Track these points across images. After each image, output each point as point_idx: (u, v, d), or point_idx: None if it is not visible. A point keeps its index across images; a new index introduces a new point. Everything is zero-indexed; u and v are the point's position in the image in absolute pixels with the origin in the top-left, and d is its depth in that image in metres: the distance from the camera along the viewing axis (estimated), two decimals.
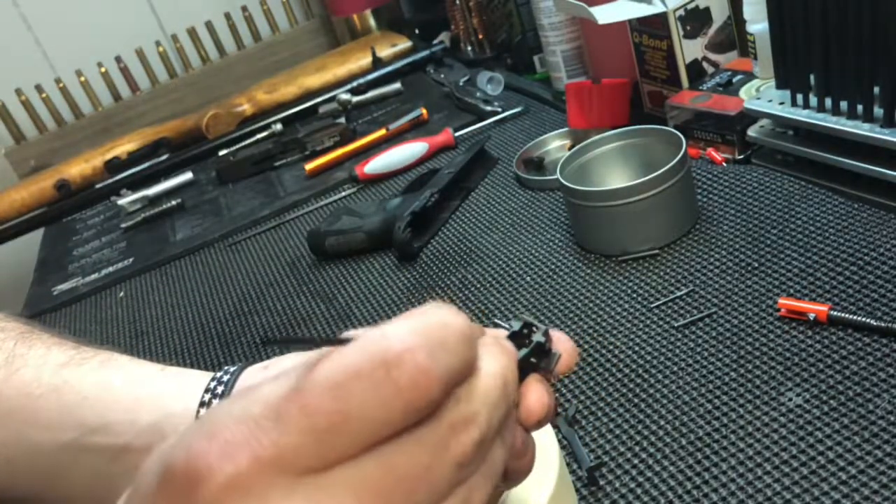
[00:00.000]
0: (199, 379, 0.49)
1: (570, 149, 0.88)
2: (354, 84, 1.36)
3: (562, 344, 0.35)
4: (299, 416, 0.24)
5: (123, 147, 1.39)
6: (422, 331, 0.26)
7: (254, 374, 0.47)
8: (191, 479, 0.24)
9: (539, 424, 0.33)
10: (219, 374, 0.48)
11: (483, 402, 0.28)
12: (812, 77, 0.70)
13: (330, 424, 0.24)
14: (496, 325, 0.35)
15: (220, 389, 0.47)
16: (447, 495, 0.26)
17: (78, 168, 1.38)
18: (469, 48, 1.35)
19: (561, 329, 0.67)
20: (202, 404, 0.46)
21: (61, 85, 1.58)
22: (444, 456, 0.26)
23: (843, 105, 0.68)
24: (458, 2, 1.32)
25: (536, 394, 0.32)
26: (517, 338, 0.33)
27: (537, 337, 0.33)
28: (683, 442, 0.53)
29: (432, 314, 0.27)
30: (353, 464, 0.25)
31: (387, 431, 0.25)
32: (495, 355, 0.30)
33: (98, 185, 1.36)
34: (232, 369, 0.48)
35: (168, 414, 0.47)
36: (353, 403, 0.25)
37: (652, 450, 0.54)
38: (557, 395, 0.61)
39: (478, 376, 0.28)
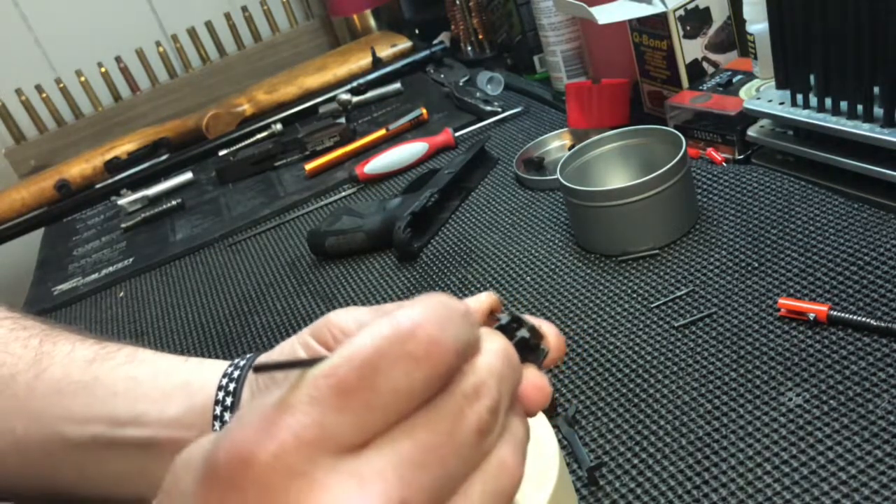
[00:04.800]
0: (219, 367, 0.50)
1: (570, 149, 0.88)
2: (354, 84, 1.36)
3: (550, 339, 0.36)
4: (333, 395, 0.26)
5: (123, 147, 1.39)
6: (427, 309, 0.27)
7: (264, 358, 0.48)
8: (236, 465, 0.25)
9: (536, 408, 0.33)
10: (236, 361, 0.49)
11: (489, 373, 0.29)
12: (812, 77, 0.70)
13: (361, 401, 0.26)
14: (490, 319, 0.36)
15: (236, 374, 0.48)
16: (478, 462, 0.28)
17: (78, 168, 1.38)
18: (469, 48, 1.35)
19: (561, 329, 0.68)
20: (220, 388, 0.47)
21: (61, 85, 1.58)
22: (463, 423, 0.27)
23: (843, 105, 0.68)
24: (458, 2, 1.32)
25: (532, 378, 0.33)
26: (504, 331, 0.34)
27: (521, 332, 0.34)
28: (683, 442, 0.53)
29: (433, 297, 0.28)
30: (386, 438, 0.26)
31: (411, 404, 0.27)
32: (494, 336, 0.31)
33: (98, 185, 1.36)
34: (248, 356, 0.49)
35: (192, 405, 0.48)
36: (380, 379, 0.26)
37: (652, 450, 0.54)
38: (557, 395, 0.61)
39: (481, 353, 0.30)
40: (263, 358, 0.48)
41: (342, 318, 0.43)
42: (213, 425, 0.47)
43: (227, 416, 0.46)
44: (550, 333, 0.36)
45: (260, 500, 0.25)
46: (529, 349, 0.34)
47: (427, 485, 0.26)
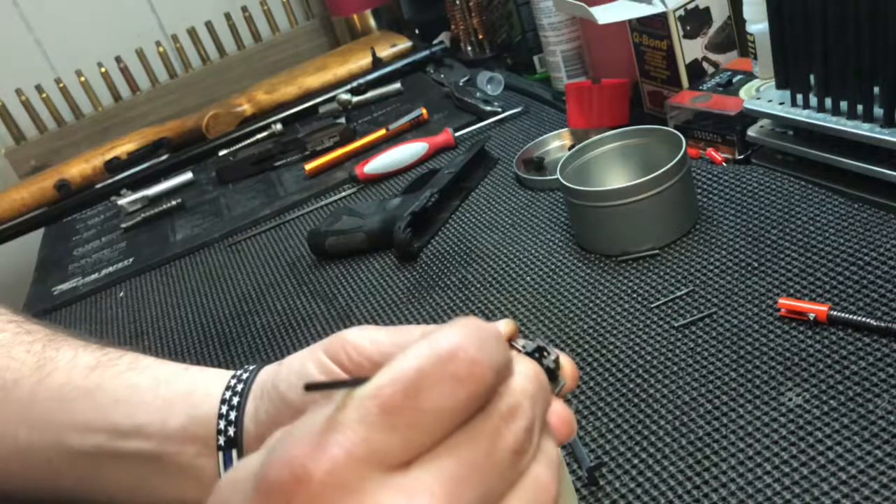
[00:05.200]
0: (221, 377, 0.49)
1: (570, 149, 0.88)
2: (354, 84, 1.36)
3: (566, 369, 0.37)
4: (380, 415, 0.27)
5: (123, 147, 1.39)
6: (466, 332, 0.29)
7: (269, 371, 0.48)
8: (290, 483, 0.26)
9: (562, 441, 0.34)
10: (238, 373, 0.49)
11: (523, 394, 0.30)
12: (812, 77, 0.70)
13: (407, 420, 0.27)
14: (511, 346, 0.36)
15: (239, 387, 0.47)
16: (515, 480, 0.29)
17: (78, 168, 1.38)
18: (469, 48, 1.35)
19: (561, 329, 0.68)
20: (223, 402, 0.47)
21: (61, 85, 1.58)
22: (500, 443, 0.29)
23: (843, 105, 0.68)
24: (458, 2, 1.32)
25: (558, 411, 0.34)
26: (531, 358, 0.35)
27: (548, 362, 0.35)
28: (683, 442, 0.53)
29: (468, 321, 0.30)
30: (429, 456, 0.27)
31: (453, 424, 0.28)
32: (524, 359, 0.33)
33: (98, 185, 1.36)
34: (251, 367, 0.49)
35: (194, 417, 0.47)
36: (424, 399, 0.27)
37: (652, 450, 0.54)
38: None
39: (514, 375, 0.31)
40: (271, 368, 0.48)
41: (357, 336, 0.43)
42: (217, 439, 0.46)
43: (230, 430, 0.46)
44: (566, 364, 0.37)
45: None
46: (552, 378, 0.35)
47: (470, 501, 0.27)
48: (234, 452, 0.46)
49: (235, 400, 0.47)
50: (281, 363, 0.47)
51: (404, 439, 0.27)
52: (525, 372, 0.31)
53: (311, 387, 0.29)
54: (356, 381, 0.28)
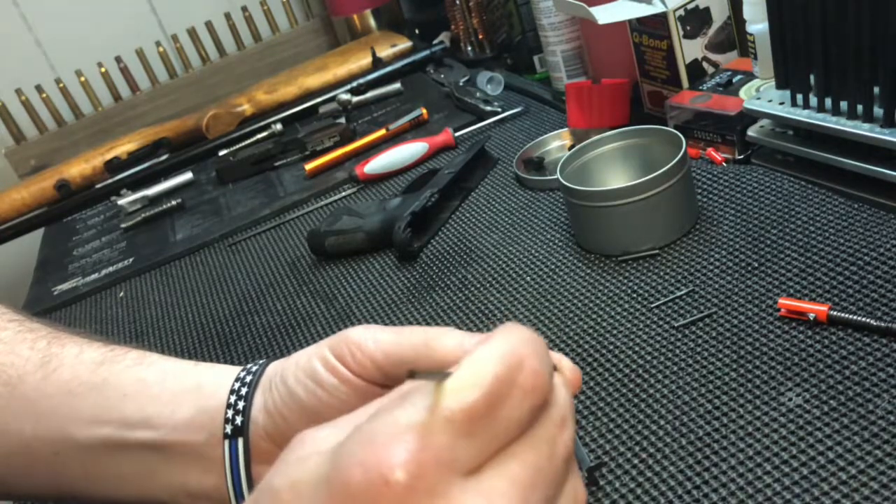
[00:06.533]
0: (231, 371, 0.50)
1: (570, 149, 0.88)
2: (354, 84, 1.36)
3: (566, 372, 0.37)
4: (464, 422, 0.28)
5: (123, 147, 1.39)
6: (525, 342, 0.30)
7: (277, 365, 0.48)
8: (376, 484, 0.26)
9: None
10: (249, 366, 0.49)
11: (565, 405, 0.32)
12: (812, 77, 0.70)
13: (485, 428, 0.28)
14: None
15: (248, 378, 0.48)
16: (563, 488, 0.31)
17: (78, 168, 1.38)
18: (469, 48, 1.35)
19: (561, 329, 0.68)
20: (232, 392, 0.47)
21: (61, 85, 1.58)
22: (556, 450, 0.30)
23: (843, 105, 0.68)
24: (458, 2, 1.32)
25: None
26: None
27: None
28: (683, 442, 0.53)
29: (519, 329, 0.31)
30: (497, 463, 0.29)
31: (518, 431, 0.29)
32: (558, 373, 0.34)
33: (98, 185, 1.36)
34: (260, 361, 0.49)
35: (203, 407, 0.48)
36: (500, 408, 0.29)
37: (652, 450, 0.54)
38: None
39: (557, 386, 0.32)
40: (279, 363, 0.48)
41: (360, 336, 0.44)
42: (225, 429, 0.47)
43: (237, 419, 0.46)
44: (567, 367, 0.38)
45: None
46: None
47: (543, 499, 0.29)
48: (240, 441, 0.46)
49: (244, 391, 0.47)
50: (289, 358, 0.47)
51: (480, 445, 0.28)
52: (562, 384, 0.33)
53: (413, 375, 0.30)
54: (442, 375, 0.29)
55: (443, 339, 0.41)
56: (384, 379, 0.43)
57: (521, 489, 0.28)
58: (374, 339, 0.43)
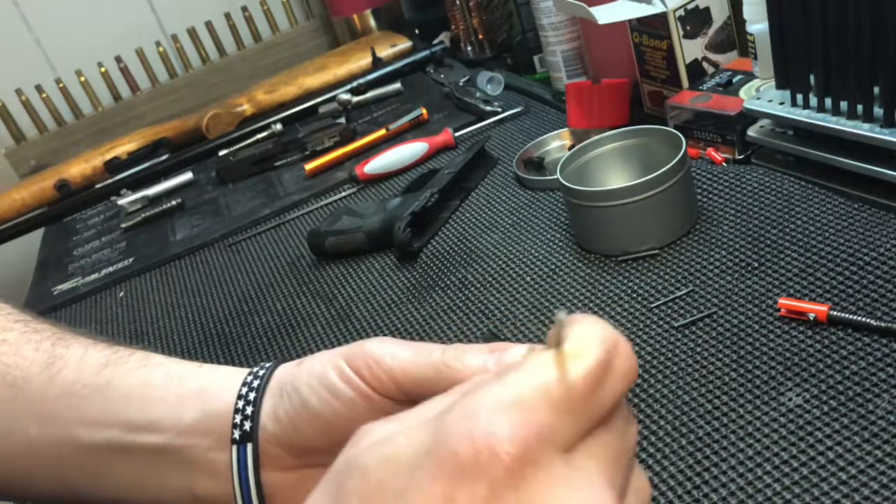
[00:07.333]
0: (236, 374, 0.49)
1: (570, 149, 0.88)
2: (354, 84, 1.36)
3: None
4: (566, 401, 0.29)
5: (123, 147, 1.39)
6: (610, 329, 0.31)
7: (288, 370, 0.47)
8: (485, 456, 0.27)
9: None
10: (255, 369, 0.49)
11: (625, 402, 0.33)
12: (812, 77, 0.70)
13: (584, 408, 0.29)
14: None
15: (255, 383, 0.47)
16: (631, 478, 0.32)
17: (78, 168, 1.38)
18: (469, 48, 1.35)
19: None
20: (240, 397, 0.47)
21: (61, 85, 1.58)
22: (629, 439, 0.32)
23: (843, 105, 0.68)
24: (458, 2, 1.32)
25: None
26: None
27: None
28: (683, 442, 0.53)
29: (596, 319, 0.31)
30: (586, 444, 0.29)
31: (607, 415, 0.30)
32: None
33: (98, 185, 1.36)
34: (267, 364, 0.49)
35: (209, 411, 0.47)
36: (601, 389, 0.29)
37: (652, 450, 0.54)
38: None
39: None
40: (289, 368, 0.47)
41: (378, 349, 0.43)
42: (232, 433, 0.46)
43: (246, 424, 0.46)
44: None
45: (507, 492, 0.27)
46: None
47: (620, 488, 0.30)
48: (249, 447, 0.46)
49: (252, 396, 0.47)
50: (300, 363, 0.47)
51: (577, 425, 0.29)
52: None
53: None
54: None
55: (465, 359, 0.40)
56: (399, 395, 0.42)
57: (608, 471, 0.29)
58: (392, 355, 0.42)
